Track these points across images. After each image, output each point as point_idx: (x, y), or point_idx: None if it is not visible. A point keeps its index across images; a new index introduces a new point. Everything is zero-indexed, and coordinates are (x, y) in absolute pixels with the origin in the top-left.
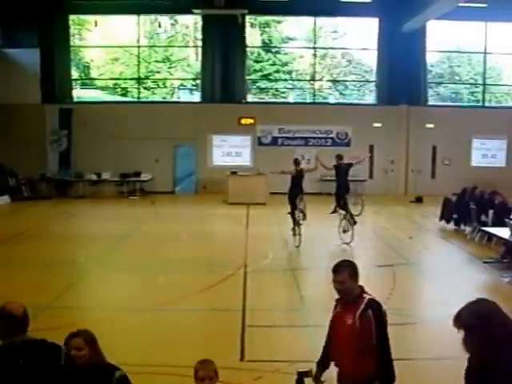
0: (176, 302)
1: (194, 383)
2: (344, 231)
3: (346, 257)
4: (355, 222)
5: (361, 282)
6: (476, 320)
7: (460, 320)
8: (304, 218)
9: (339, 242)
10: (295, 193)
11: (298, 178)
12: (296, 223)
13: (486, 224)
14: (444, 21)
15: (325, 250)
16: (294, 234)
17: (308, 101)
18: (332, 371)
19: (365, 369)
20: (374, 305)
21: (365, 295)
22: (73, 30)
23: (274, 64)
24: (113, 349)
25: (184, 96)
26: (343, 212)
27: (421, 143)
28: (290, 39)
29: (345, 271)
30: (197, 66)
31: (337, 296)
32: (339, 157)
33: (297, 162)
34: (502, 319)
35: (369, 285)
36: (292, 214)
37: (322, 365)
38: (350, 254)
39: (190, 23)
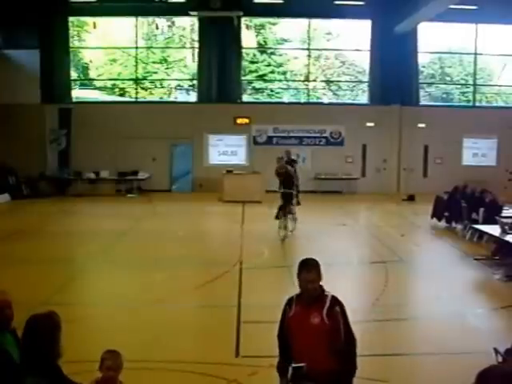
0: (172, 298)
1: (99, 372)
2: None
3: (342, 253)
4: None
5: (354, 279)
6: None
7: None
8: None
9: (333, 239)
10: None
11: None
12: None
13: (476, 222)
14: (435, 22)
15: (319, 246)
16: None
17: (302, 101)
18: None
19: (336, 365)
20: (339, 301)
21: (326, 293)
22: (72, 31)
23: (268, 65)
24: (111, 345)
25: (181, 96)
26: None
27: (413, 142)
28: (285, 41)
29: (316, 269)
30: (193, 66)
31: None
32: (289, 153)
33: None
34: None
35: (362, 281)
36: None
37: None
38: (344, 250)
39: (187, 25)
